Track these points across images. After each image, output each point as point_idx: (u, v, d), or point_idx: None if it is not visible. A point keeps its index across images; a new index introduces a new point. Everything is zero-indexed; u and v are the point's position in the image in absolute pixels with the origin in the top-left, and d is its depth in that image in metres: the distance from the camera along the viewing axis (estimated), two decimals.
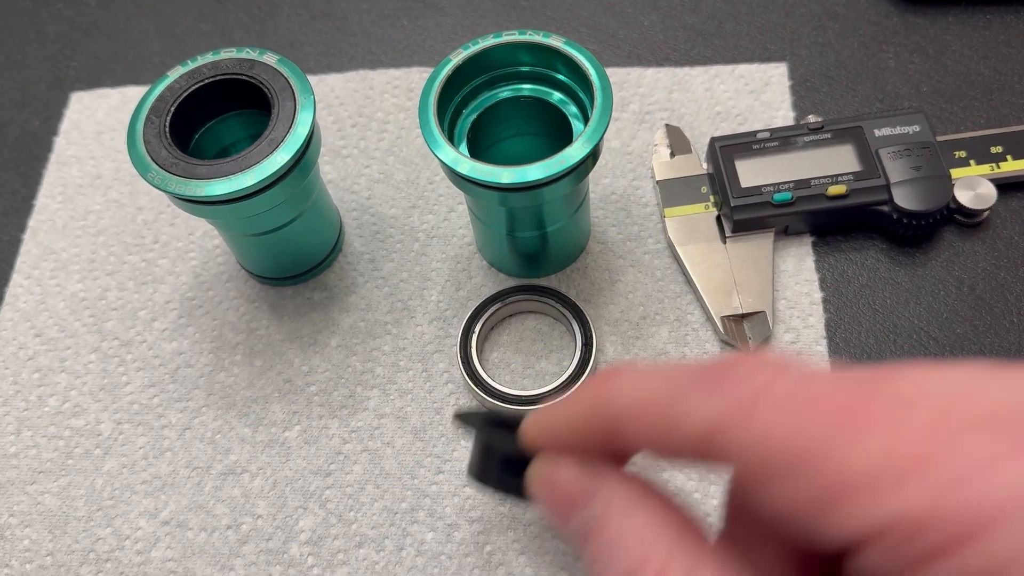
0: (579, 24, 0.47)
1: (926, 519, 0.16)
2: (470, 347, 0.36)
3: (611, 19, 0.47)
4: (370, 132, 0.44)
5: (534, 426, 0.23)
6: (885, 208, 0.37)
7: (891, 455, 0.16)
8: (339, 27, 0.49)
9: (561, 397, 0.21)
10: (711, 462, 0.19)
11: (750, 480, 0.18)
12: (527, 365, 0.37)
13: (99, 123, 0.46)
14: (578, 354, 0.35)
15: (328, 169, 0.43)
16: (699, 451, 0.18)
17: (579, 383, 0.34)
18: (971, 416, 0.16)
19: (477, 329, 0.37)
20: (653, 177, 0.41)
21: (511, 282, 0.39)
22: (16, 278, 0.42)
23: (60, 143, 0.46)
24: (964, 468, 0.15)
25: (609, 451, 0.21)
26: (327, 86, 0.46)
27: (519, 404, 0.35)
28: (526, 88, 0.35)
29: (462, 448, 0.35)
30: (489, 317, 0.37)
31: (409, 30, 0.48)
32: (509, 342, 0.38)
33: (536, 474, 0.23)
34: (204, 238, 0.42)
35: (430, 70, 0.45)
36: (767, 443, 0.17)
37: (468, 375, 0.36)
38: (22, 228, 0.43)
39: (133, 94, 0.47)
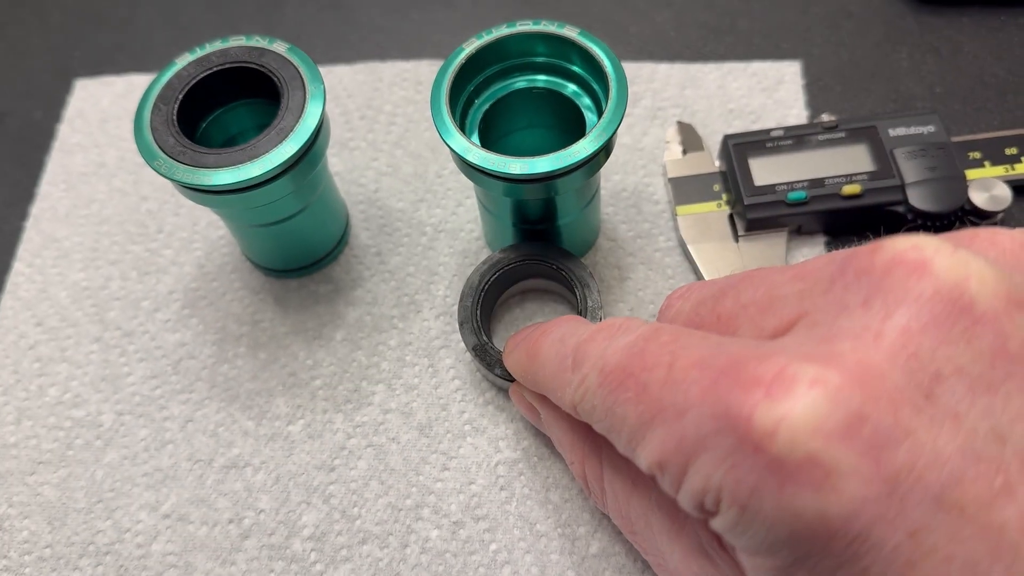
0: (591, 18, 0.47)
1: (661, 460, 0.21)
2: (478, 310, 0.35)
3: (623, 14, 0.47)
4: (378, 125, 0.44)
5: (507, 363, 0.32)
6: (900, 209, 0.36)
7: (643, 410, 0.22)
8: (347, 19, 0.48)
9: (524, 341, 0.31)
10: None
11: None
12: None
13: (103, 111, 0.46)
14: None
15: (335, 161, 0.43)
16: (576, 415, 0.26)
17: None
18: (689, 364, 0.21)
19: (485, 289, 0.36)
20: (665, 174, 0.40)
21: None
22: (18, 266, 0.41)
23: (64, 130, 0.45)
24: (681, 406, 0.20)
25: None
26: (335, 78, 0.45)
27: None
28: (540, 79, 0.34)
29: (468, 445, 0.35)
30: (501, 273, 0.36)
31: (419, 23, 0.48)
32: (522, 316, 0.38)
33: (511, 392, 0.34)
34: (208, 228, 0.41)
35: (440, 63, 0.44)
36: (592, 416, 0.25)
37: (475, 339, 0.35)
38: (24, 216, 0.43)
39: (139, 82, 0.47)
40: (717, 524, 0.21)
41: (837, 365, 0.18)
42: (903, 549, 0.18)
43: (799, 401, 0.18)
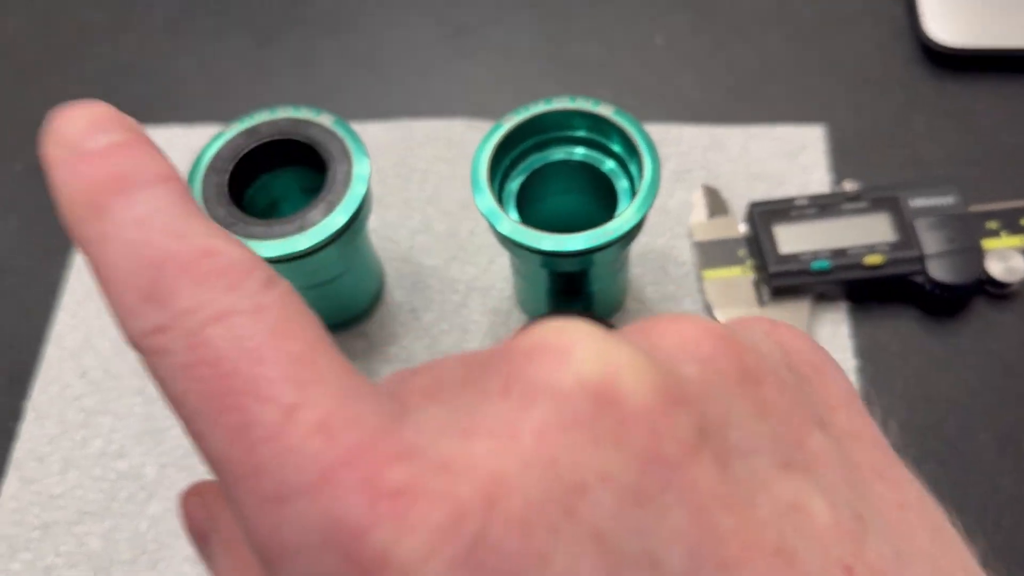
0: (617, 80, 0.48)
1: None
2: None
3: (649, 76, 0.48)
4: (411, 183, 0.45)
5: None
6: (919, 279, 0.38)
7: (239, 453, 0.16)
8: (380, 75, 0.50)
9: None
10: None
11: None
12: None
13: None
14: None
15: (370, 219, 0.44)
16: None
17: None
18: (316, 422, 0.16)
19: None
20: (691, 236, 0.41)
21: None
22: (61, 316, 0.43)
23: None
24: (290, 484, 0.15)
25: None
26: (369, 135, 0.46)
27: None
28: (578, 151, 0.36)
29: None
30: None
31: (449, 80, 0.49)
32: None
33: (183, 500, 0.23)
34: None
35: (472, 121, 0.46)
36: (171, 397, 0.17)
37: None
38: (66, 265, 0.44)
39: (178, 134, 0.48)
40: None
41: (468, 475, 0.15)
42: None
43: (419, 523, 0.15)
